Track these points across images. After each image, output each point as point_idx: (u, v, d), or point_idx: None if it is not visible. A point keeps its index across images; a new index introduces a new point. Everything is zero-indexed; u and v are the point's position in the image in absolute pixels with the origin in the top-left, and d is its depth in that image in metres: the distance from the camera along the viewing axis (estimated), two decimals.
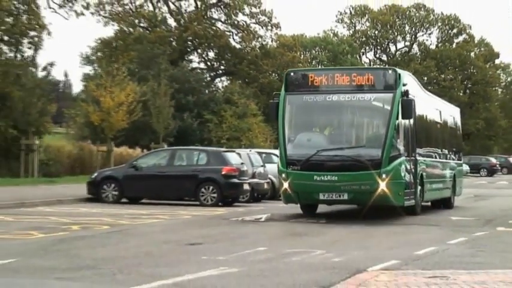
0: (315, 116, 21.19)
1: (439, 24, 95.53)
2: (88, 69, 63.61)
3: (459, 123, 30.97)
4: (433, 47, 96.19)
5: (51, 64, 43.69)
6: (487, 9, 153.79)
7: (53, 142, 43.78)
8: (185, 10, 65.84)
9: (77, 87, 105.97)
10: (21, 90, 39.87)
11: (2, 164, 38.50)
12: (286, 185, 20.26)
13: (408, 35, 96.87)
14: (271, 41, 68.07)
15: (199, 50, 68.51)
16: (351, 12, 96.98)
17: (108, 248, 14.04)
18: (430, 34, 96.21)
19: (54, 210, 22.65)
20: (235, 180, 25.96)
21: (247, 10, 65.72)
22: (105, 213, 21.63)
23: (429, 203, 25.62)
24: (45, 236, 15.59)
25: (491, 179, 63.10)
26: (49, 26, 42.01)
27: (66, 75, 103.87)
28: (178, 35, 63.47)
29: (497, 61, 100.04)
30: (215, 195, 25.60)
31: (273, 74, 67.34)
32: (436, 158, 25.24)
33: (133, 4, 64.21)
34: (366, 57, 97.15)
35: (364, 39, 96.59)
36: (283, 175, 20.34)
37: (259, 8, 65.69)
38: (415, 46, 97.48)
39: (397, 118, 19.91)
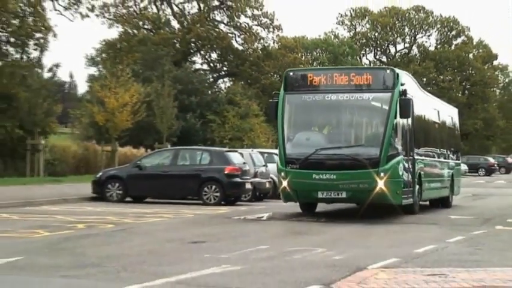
0: (313, 115, 21.08)
1: (438, 26, 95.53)
2: (93, 71, 63.69)
3: (457, 123, 30.92)
4: (432, 48, 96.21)
5: (57, 65, 43.80)
6: (485, 12, 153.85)
7: (59, 142, 43.84)
8: (188, 12, 65.93)
9: (82, 88, 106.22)
10: (27, 91, 39.91)
11: (9, 163, 38.54)
12: (285, 183, 20.19)
13: (408, 37, 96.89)
14: (273, 42, 68.16)
15: (202, 52, 68.55)
16: (351, 14, 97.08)
17: (113, 246, 14.03)
18: (429, 36, 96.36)
19: (60, 209, 22.65)
20: (238, 180, 25.96)
21: (249, 12, 65.75)
22: (109, 212, 21.62)
23: (427, 202, 25.60)
24: (51, 235, 15.59)
25: (489, 179, 63.08)
26: (55, 27, 42.13)
27: (71, 76, 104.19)
28: (182, 37, 63.50)
29: (495, 62, 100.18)
30: (218, 194, 25.60)
31: (275, 75, 67.33)
32: (434, 157, 25.19)
33: (137, 6, 64.28)
34: (366, 58, 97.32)
35: (364, 40, 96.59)
36: (282, 174, 20.27)
37: (261, 10, 65.73)
38: (414, 48, 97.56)
39: (395, 117, 19.82)
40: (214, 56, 69.11)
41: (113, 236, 15.67)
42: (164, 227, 18.11)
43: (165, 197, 26.47)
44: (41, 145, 38.96)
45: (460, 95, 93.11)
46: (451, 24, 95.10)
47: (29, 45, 41.31)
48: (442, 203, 26.25)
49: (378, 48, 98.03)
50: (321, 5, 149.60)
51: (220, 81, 71.26)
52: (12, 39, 40.72)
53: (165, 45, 59.54)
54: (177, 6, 65.83)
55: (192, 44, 66.16)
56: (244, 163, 27.01)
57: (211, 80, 67.63)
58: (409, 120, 20.98)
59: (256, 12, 65.72)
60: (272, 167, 28.54)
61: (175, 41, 63.64)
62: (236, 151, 29.03)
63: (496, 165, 75.46)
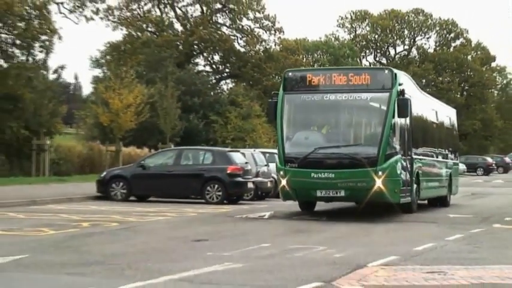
0: (312, 115, 20.97)
1: (437, 28, 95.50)
2: (97, 72, 63.71)
3: (455, 123, 30.88)
4: (431, 50, 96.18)
5: (62, 67, 43.85)
6: (483, 14, 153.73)
7: (64, 142, 43.86)
8: (191, 15, 65.99)
9: (87, 89, 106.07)
10: (32, 92, 39.93)
11: (15, 163, 38.57)
12: (284, 182, 20.14)
13: (407, 39, 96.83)
14: (275, 44, 68.21)
15: (205, 54, 68.56)
16: (351, 17, 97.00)
17: (117, 244, 14.03)
18: (428, 38, 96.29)
19: (65, 207, 22.66)
20: (240, 179, 25.96)
21: (251, 15, 65.79)
22: (113, 210, 21.63)
23: (426, 201, 25.57)
24: (56, 233, 15.60)
25: (487, 178, 63.03)
26: (60, 30, 42.03)
27: (76, 77, 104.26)
28: (185, 39, 63.53)
29: (493, 64, 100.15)
30: (220, 193, 25.61)
31: (276, 77, 67.24)
32: (432, 156, 25.13)
33: (141, 9, 64.36)
34: (366, 60, 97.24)
35: (364, 43, 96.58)
36: (281, 172, 20.22)
37: (263, 13, 65.76)
38: (413, 50, 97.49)
39: (393, 117, 19.76)
40: (216, 58, 69.21)
41: (117, 234, 15.67)
42: (167, 225, 18.11)
43: (168, 196, 26.46)
44: (47, 145, 38.95)
45: (458, 96, 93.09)
46: (450, 26, 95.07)
47: (34, 48, 41.30)
48: (440, 202, 26.19)
49: (378, 50, 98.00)
50: (322, 8, 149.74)
51: (222, 82, 71.36)
52: (18, 42, 40.71)
53: (169, 47, 59.58)
54: (180, 9, 65.94)
55: (195, 46, 66.19)
56: (246, 163, 27.01)
57: (213, 81, 67.64)
58: (407, 120, 20.91)
59: (258, 15, 65.82)
60: (274, 167, 28.39)
61: (178, 43, 63.67)
62: (238, 151, 29.03)
63: (494, 165, 75.36)
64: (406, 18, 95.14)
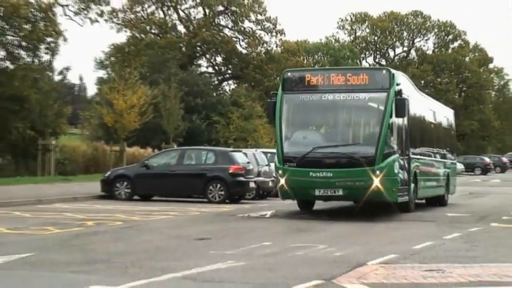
0: (311, 114, 20.87)
1: (436, 30, 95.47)
2: (102, 73, 63.67)
3: (453, 123, 30.84)
4: (429, 52, 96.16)
5: (67, 68, 43.89)
6: (481, 16, 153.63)
7: (69, 142, 43.87)
8: (194, 17, 65.99)
9: (91, 90, 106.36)
10: (38, 93, 39.94)
11: (21, 163, 38.60)
12: (282, 181, 20.08)
13: (406, 41, 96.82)
14: (276, 46, 68.23)
15: (207, 55, 68.59)
16: (351, 19, 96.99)
17: (121, 242, 14.03)
18: (427, 40, 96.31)
19: (70, 206, 22.68)
20: (242, 179, 25.96)
21: (253, 17, 65.82)
22: (118, 209, 21.63)
23: (424, 201, 25.55)
24: (61, 232, 15.60)
25: (485, 178, 62.99)
26: (65, 32, 42.04)
27: (81, 79, 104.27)
28: (188, 41, 63.54)
29: (491, 65, 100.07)
30: (222, 192, 25.61)
31: (277, 78, 67.18)
32: (430, 156, 25.09)
33: (145, 12, 64.39)
34: (366, 61, 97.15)
35: (364, 44, 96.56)
36: (280, 171, 20.16)
37: (264, 15, 65.79)
38: (412, 51, 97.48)
39: (391, 117, 19.69)
40: (219, 59, 69.19)
41: (121, 233, 15.66)
42: (171, 224, 18.10)
43: (171, 196, 26.48)
44: (52, 145, 38.96)
45: (456, 96, 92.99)
46: (448, 28, 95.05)
47: (40, 49, 41.33)
48: (438, 201, 26.16)
49: (378, 52, 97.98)
50: (322, 10, 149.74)
51: (224, 83, 71.32)
52: (24, 44, 40.74)
53: (172, 49, 59.60)
54: (183, 11, 65.93)
55: (198, 48, 66.20)
56: (248, 163, 27.01)
57: (216, 82, 67.66)
58: (405, 119, 20.84)
59: (259, 17, 65.85)
60: None
61: (181, 45, 63.69)
62: (240, 151, 29.03)
63: (491, 165, 75.38)
64: (405, 20, 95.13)
